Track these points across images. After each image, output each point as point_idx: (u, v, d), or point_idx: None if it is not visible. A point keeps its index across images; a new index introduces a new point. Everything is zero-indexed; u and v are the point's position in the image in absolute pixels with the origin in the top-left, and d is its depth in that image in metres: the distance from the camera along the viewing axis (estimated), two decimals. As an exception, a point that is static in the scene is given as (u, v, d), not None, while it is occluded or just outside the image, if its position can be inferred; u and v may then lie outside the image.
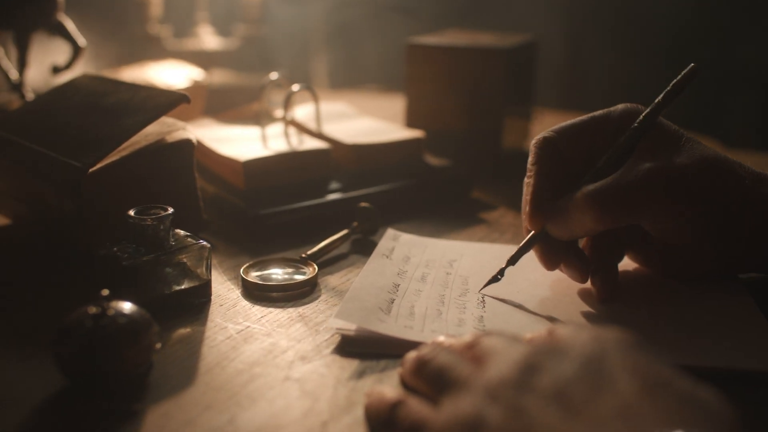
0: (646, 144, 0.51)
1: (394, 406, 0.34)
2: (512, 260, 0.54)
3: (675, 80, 0.52)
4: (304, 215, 0.66)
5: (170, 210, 0.50)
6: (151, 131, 0.60)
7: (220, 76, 1.23)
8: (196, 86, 1.00)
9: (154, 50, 1.17)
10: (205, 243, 0.52)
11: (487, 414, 0.30)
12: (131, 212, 0.50)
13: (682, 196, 0.49)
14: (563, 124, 0.55)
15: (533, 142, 0.54)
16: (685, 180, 0.49)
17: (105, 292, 0.41)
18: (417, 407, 0.33)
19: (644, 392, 0.29)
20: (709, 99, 1.62)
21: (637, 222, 0.51)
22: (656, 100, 0.52)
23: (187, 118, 0.88)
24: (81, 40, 0.81)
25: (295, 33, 1.69)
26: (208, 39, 1.20)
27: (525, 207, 0.54)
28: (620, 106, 0.54)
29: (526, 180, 0.54)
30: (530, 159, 0.54)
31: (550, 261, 0.53)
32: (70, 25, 0.80)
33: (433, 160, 0.79)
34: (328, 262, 0.60)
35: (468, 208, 0.74)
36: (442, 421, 0.31)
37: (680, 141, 0.52)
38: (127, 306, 0.42)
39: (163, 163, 0.59)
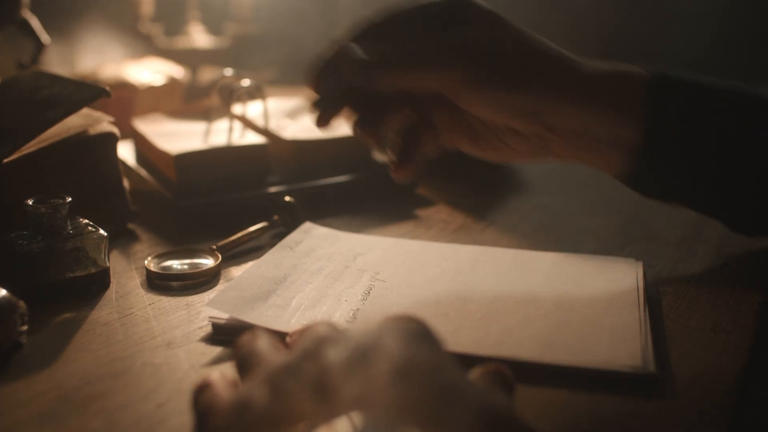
0: None
1: (201, 389, 0.35)
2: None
3: None
4: (232, 208, 0.67)
5: (67, 199, 0.52)
6: (75, 124, 0.62)
7: (211, 74, 1.26)
8: (172, 83, 1.02)
9: (146, 48, 1.20)
10: (102, 232, 0.53)
11: (255, 396, 0.30)
12: (29, 201, 0.52)
13: (468, 56, 0.50)
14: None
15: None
16: (469, 43, 0.50)
17: (-33, 274, 0.43)
18: (216, 390, 0.34)
19: (394, 380, 0.29)
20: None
21: (428, 82, 0.51)
22: None
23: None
24: (45, 37, 0.84)
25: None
26: (199, 37, 1.22)
27: None
28: None
29: None
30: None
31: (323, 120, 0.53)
32: (34, 23, 0.83)
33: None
34: (242, 253, 0.61)
35: (406, 204, 0.74)
36: (222, 404, 0.32)
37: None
38: (-7, 289, 0.44)
39: (84, 154, 0.61)
